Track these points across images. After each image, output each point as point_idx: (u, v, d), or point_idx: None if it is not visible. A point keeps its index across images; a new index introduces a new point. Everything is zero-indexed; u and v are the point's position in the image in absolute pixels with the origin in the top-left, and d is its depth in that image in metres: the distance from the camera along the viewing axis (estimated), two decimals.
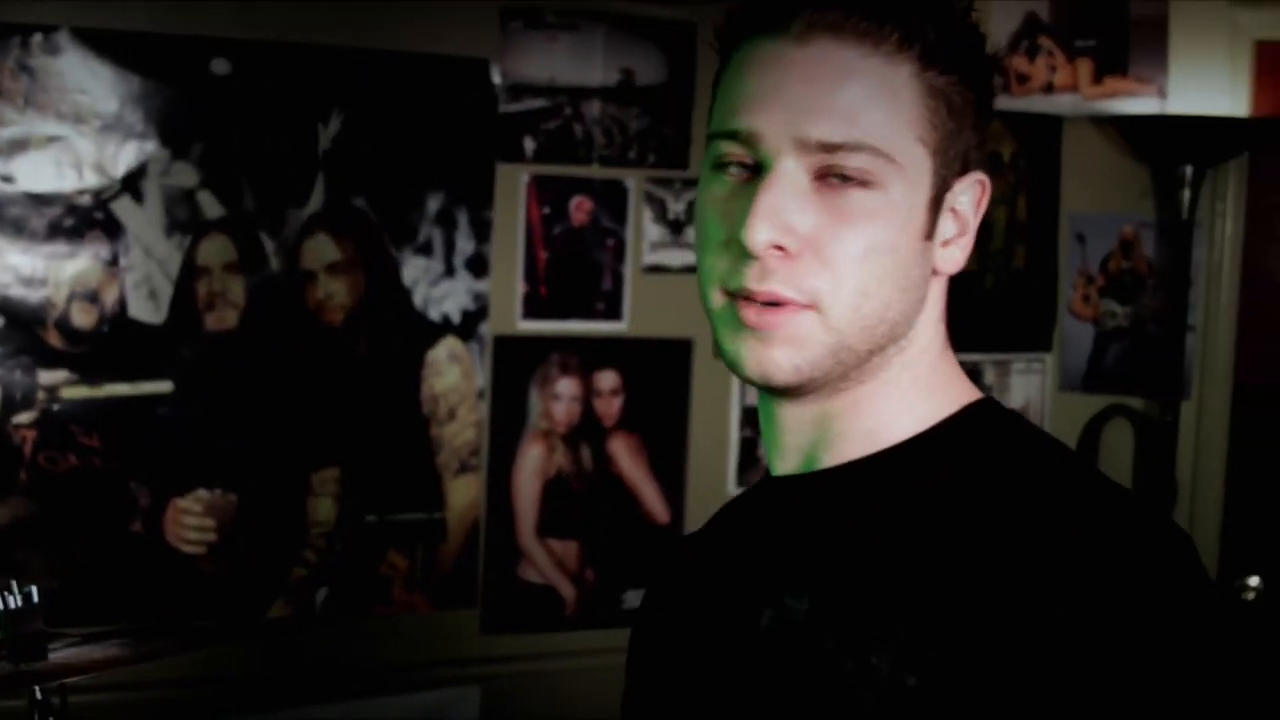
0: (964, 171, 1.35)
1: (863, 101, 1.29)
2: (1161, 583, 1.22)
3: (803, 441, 1.38)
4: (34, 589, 1.68)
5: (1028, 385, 3.81)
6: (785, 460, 1.40)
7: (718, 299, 1.33)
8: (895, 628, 1.24)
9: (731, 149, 1.32)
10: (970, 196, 1.36)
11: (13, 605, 1.67)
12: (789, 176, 1.29)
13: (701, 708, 1.41)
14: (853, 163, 1.28)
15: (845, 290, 1.29)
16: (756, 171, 1.31)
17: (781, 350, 1.30)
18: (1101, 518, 1.25)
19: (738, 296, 1.31)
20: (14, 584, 1.68)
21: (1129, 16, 3.67)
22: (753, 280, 1.29)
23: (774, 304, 1.29)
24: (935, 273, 1.36)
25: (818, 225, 1.29)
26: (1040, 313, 3.83)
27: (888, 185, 1.29)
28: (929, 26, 1.31)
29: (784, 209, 1.28)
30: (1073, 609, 1.18)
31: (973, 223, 1.37)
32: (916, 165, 1.30)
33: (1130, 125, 3.71)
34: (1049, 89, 3.66)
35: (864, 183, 1.29)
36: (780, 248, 1.28)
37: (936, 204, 1.33)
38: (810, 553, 1.35)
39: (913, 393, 1.37)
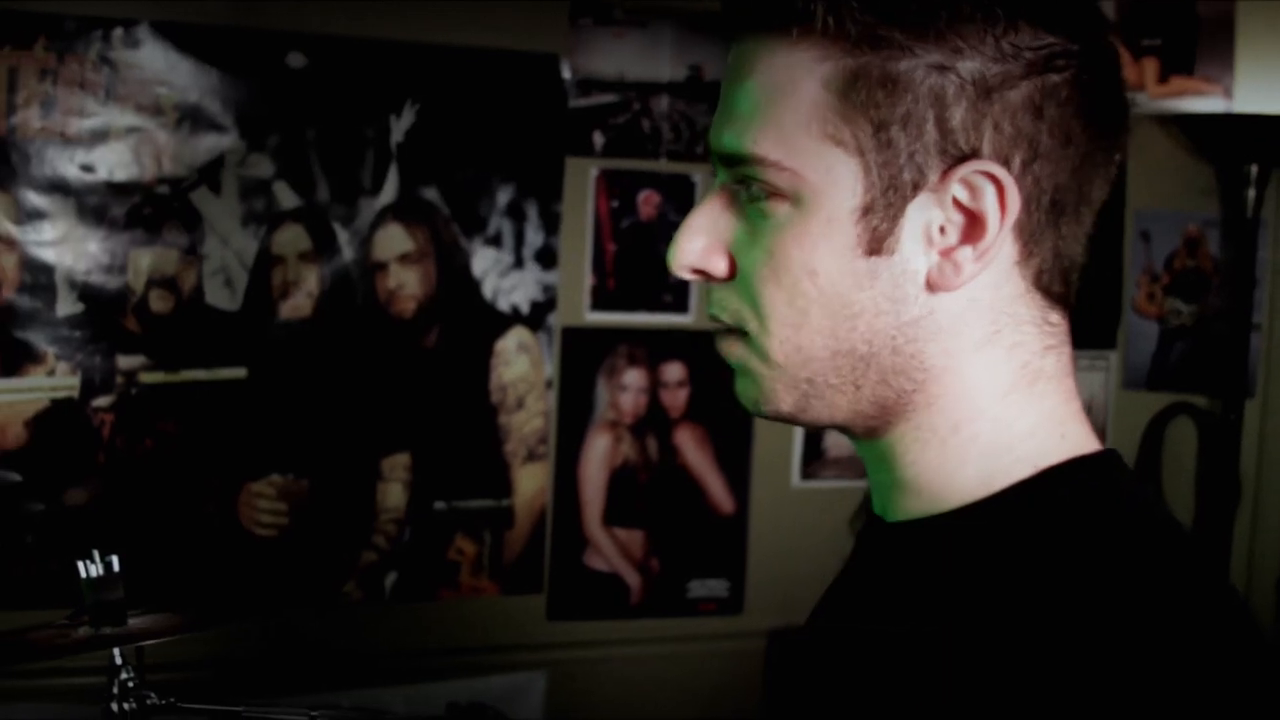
0: (957, 161, 1.11)
1: (758, 102, 1.14)
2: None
3: (876, 480, 1.25)
4: (115, 558, 1.73)
5: (1091, 383, 3.83)
6: (874, 496, 1.27)
7: None
8: None
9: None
10: (980, 192, 1.12)
11: (95, 573, 1.73)
12: (718, 193, 1.20)
13: None
14: (751, 174, 1.15)
15: (768, 321, 1.16)
16: None
17: (741, 381, 1.22)
18: (1156, 644, 1.04)
19: None
20: (96, 553, 1.73)
21: (1196, 15, 3.68)
22: (707, 303, 1.22)
23: (716, 324, 1.21)
24: (932, 288, 1.14)
25: (735, 246, 1.18)
26: (1104, 310, 3.84)
27: (796, 198, 1.13)
28: None
29: (703, 230, 1.19)
30: None
31: (993, 225, 1.11)
32: (831, 171, 1.11)
33: (1196, 124, 3.71)
34: None
35: (771, 196, 1.14)
36: (702, 271, 1.20)
37: (887, 210, 1.12)
38: (861, 613, 1.25)
39: (955, 445, 1.18)
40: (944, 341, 1.15)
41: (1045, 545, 1.11)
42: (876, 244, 1.12)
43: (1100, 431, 3.86)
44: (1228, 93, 3.69)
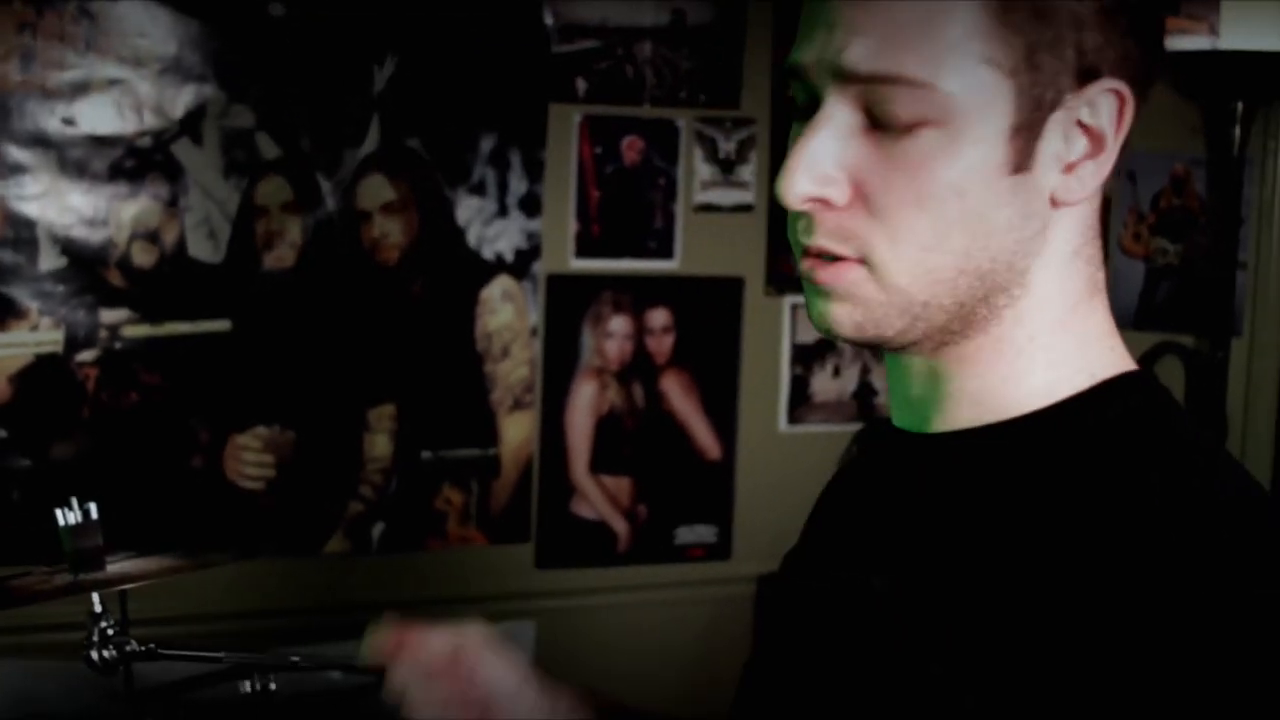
0: (1087, 80, 1.13)
1: (907, 24, 1.11)
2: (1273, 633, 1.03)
3: (914, 395, 1.24)
4: (93, 505, 1.73)
5: None
6: (901, 412, 1.27)
7: (797, 251, 1.20)
8: (960, 637, 1.11)
9: (796, 88, 1.18)
10: (1102, 109, 1.14)
11: (73, 521, 1.73)
12: (834, 116, 1.14)
13: (798, 671, 1.31)
14: (895, 95, 1.11)
15: (901, 245, 1.13)
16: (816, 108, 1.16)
17: (841, 307, 1.17)
18: (1216, 543, 1.06)
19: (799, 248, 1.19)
20: (74, 500, 1.73)
21: None
22: (803, 234, 1.17)
23: (830, 257, 1.16)
24: (1055, 204, 1.16)
25: (866, 171, 1.14)
26: None
27: (944, 120, 1.11)
28: None
29: (823, 157, 1.14)
30: (1158, 653, 1.02)
31: (1111, 140, 1.14)
32: (984, 92, 1.11)
33: (1181, 62, 3.69)
34: None
35: (913, 122, 1.11)
36: (822, 200, 1.15)
37: (1032, 128, 1.13)
38: (901, 527, 1.24)
39: (1030, 354, 1.19)
40: (1048, 256, 1.17)
41: (1112, 455, 1.14)
42: (1020, 163, 1.13)
43: None
44: (1213, 30, 3.67)
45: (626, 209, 3.42)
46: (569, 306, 3.41)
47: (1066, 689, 1.03)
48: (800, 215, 1.17)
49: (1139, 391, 1.20)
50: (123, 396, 3.08)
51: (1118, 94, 1.14)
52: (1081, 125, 1.14)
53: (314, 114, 3.16)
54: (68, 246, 3.01)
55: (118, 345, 3.06)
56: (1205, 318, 3.80)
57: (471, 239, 3.30)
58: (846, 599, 1.26)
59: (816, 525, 1.44)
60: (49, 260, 3.00)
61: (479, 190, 3.29)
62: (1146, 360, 3.82)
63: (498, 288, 3.33)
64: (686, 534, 3.55)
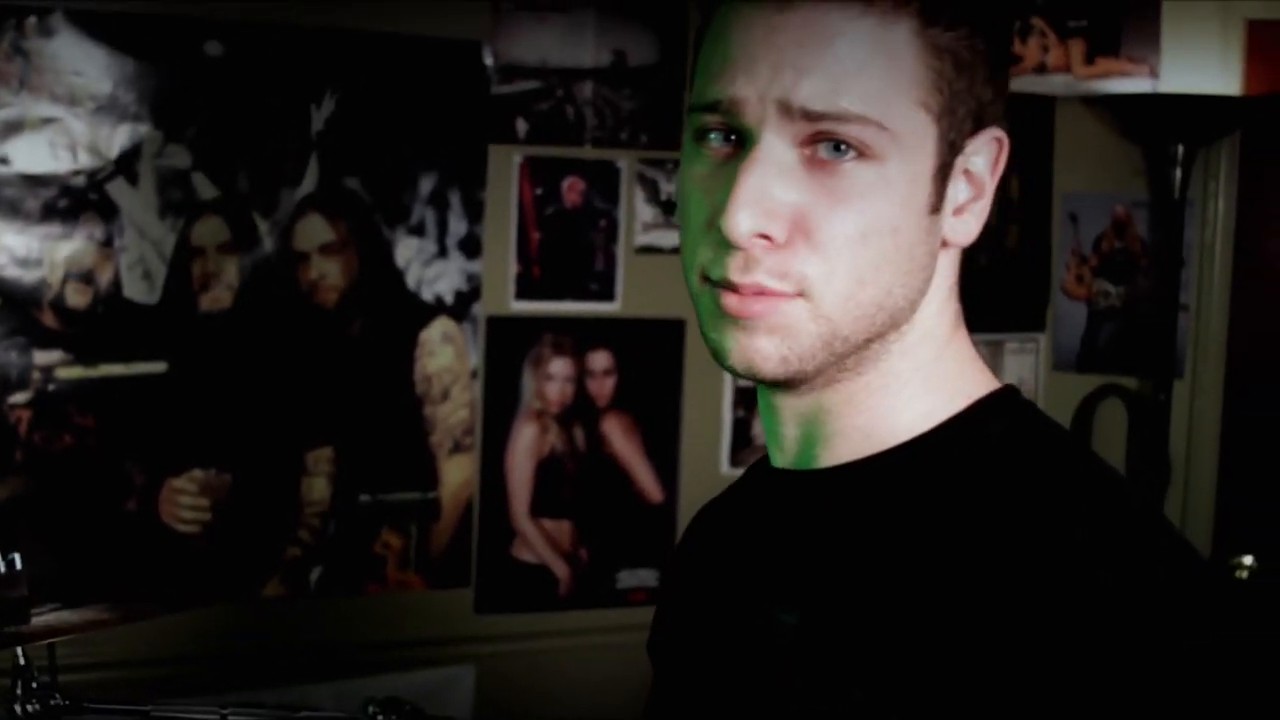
0: (977, 129, 1.20)
1: (853, 66, 1.14)
2: (1175, 626, 1.08)
3: (798, 434, 1.26)
4: (17, 555, 1.69)
5: (1021, 365, 3.82)
6: (783, 452, 1.29)
7: (699, 285, 1.21)
8: (878, 659, 1.13)
9: (712, 120, 1.19)
10: (986, 156, 1.22)
11: None
12: (773, 152, 1.16)
13: (702, 710, 1.33)
14: (841, 132, 1.14)
15: (838, 278, 1.16)
16: (740, 143, 1.18)
17: (767, 340, 1.18)
18: (1110, 540, 1.11)
19: (719, 285, 1.18)
20: None
21: None
22: (735, 271, 1.16)
23: (759, 293, 1.17)
24: (945, 245, 1.22)
25: (807, 204, 1.15)
26: (1033, 292, 3.84)
27: (884, 157, 1.15)
28: None
29: (767, 191, 1.15)
30: (1072, 649, 1.05)
31: (989, 185, 1.22)
32: (917, 133, 1.16)
33: (1122, 105, 3.71)
34: (1041, 69, 3.67)
35: (859, 154, 1.15)
36: (765, 236, 1.15)
37: (944, 172, 1.19)
38: (801, 561, 1.24)
39: (914, 385, 1.23)
40: (930, 294, 1.23)
41: (1000, 468, 1.19)
42: (936, 204, 1.20)
43: None
44: (1154, 73, 3.69)
45: (567, 250, 3.40)
46: (509, 348, 3.38)
47: (975, 704, 1.07)
48: (725, 253, 1.17)
49: (1012, 407, 1.25)
50: (56, 439, 3.04)
51: (999, 141, 1.22)
52: (966, 171, 1.21)
53: (251, 154, 3.13)
54: (0, 286, 2.97)
55: (51, 387, 3.02)
56: (1147, 360, 3.80)
57: (411, 280, 3.27)
58: (755, 637, 1.26)
59: (696, 568, 1.45)
60: None
61: (418, 231, 3.26)
62: (1089, 402, 3.82)
63: (437, 329, 3.30)
64: (628, 578, 3.52)
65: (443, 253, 3.29)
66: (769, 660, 1.23)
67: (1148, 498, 1.23)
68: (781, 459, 1.29)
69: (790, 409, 1.26)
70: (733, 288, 1.17)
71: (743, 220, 1.14)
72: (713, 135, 1.20)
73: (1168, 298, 3.75)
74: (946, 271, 1.24)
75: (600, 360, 3.45)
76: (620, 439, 3.49)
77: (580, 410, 3.46)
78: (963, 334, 1.27)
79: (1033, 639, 1.06)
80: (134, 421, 3.10)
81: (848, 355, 1.20)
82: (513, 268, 3.37)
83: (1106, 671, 1.04)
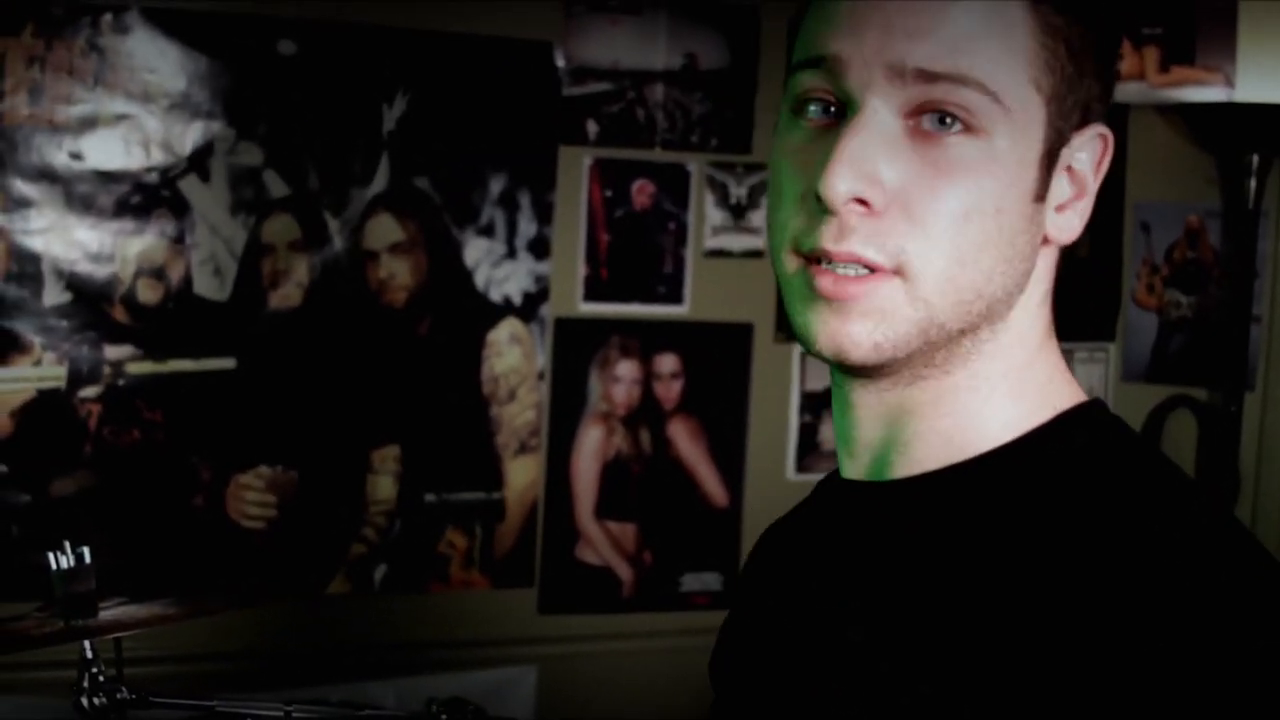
0: (1083, 124, 1.16)
1: (970, 29, 1.11)
2: (1261, 648, 1.02)
3: (876, 437, 1.21)
4: (86, 549, 1.70)
5: (1090, 375, 3.80)
6: (855, 460, 1.24)
7: (790, 262, 1.16)
8: (948, 681, 1.08)
9: (814, 82, 1.15)
10: (1090, 154, 1.17)
11: (65, 565, 1.70)
12: (878, 118, 1.11)
13: None
14: (954, 98, 1.10)
15: (938, 255, 1.11)
16: (840, 115, 1.14)
17: (860, 324, 1.13)
18: (1195, 561, 1.06)
19: (812, 259, 1.13)
20: (67, 544, 1.70)
21: (1196, 4, 3.65)
22: (829, 239, 1.11)
23: (854, 273, 1.12)
24: (1046, 241, 1.18)
25: (909, 177, 1.11)
26: (1104, 302, 3.81)
27: (994, 132, 1.11)
28: None
29: (869, 156, 1.10)
30: (1153, 675, 1.00)
31: (1092, 185, 1.18)
32: (1028, 112, 1.12)
33: (1196, 113, 3.68)
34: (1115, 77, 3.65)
35: (966, 128, 1.10)
36: (863, 201, 1.11)
37: (1050, 160, 1.14)
38: (872, 578, 1.19)
39: (1002, 390, 1.18)
40: (1029, 292, 1.19)
41: (1084, 483, 1.14)
42: (1042, 191, 1.16)
43: None
44: (1229, 81, 3.65)
45: (636, 253, 3.39)
46: (577, 350, 3.38)
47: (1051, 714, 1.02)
48: (820, 222, 1.12)
49: (1098, 421, 1.20)
50: (125, 433, 3.05)
51: (1104, 139, 1.18)
52: (1070, 167, 1.18)
53: (322, 152, 3.14)
54: (72, 281, 2.99)
55: (121, 382, 3.04)
56: (1218, 371, 3.77)
57: (479, 281, 3.27)
58: (822, 657, 1.21)
59: (762, 588, 1.40)
60: (53, 295, 2.98)
61: (488, 232, 3.27)
62: (1159, 413, 3.79)
63: (505, 330, 3.31)
64: (692, 581, 3.52)
65: (512, 254, 3.29)
66: (835, 682, 1.18)
67: (1235, 517, 1.15)
68: (852, 468, 1.25)
69: (870, 408, 1.21)
70: (827, 257, 1.12)
71: (841, 181, 1.10)
72: (812, 106, 1.16)
73: (1240, 309, 3.72)
74: (1045, 272, 1.20)
75: (667, 363, 3.45)
76: (686, 442, 3.49)
77: (646, 413, 3.45)
78: (1054, 342, 1.23)
79: (1115, 666, 1.01)
80: (202, 417, 3.11)
81: (940, 347, 1.15)
82: (581, 269, 3.37)
83: (1187, 695, 0.99)
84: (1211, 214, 3.81)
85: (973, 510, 1.16)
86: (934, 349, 1.15)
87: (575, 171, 3.35)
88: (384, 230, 3.20)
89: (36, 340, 2.98)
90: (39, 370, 3.00)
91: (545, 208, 3.31)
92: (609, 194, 3.37)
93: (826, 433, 3.57)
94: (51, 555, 1.70)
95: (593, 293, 3.38)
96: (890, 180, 1.11)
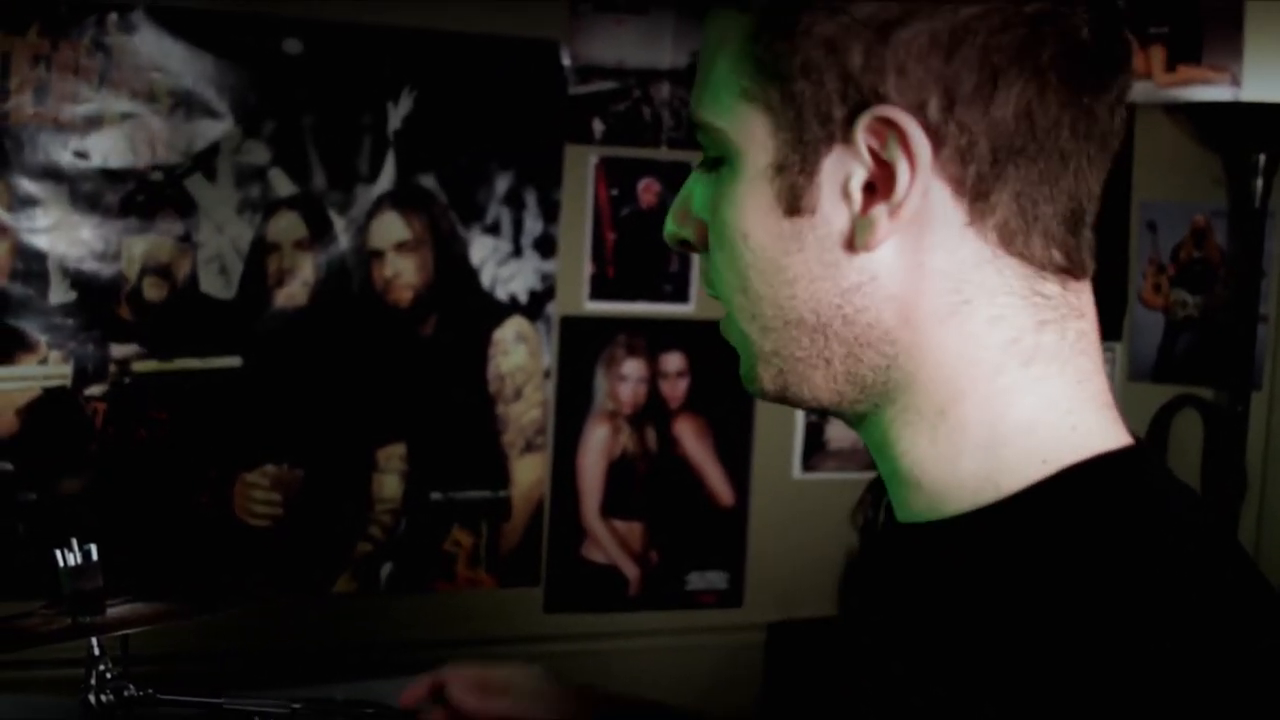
0: (854, 115, 1.03)
1: (702, 69, 1.11)
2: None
3: (880, 470, 1.16)
4: (93, 546, 1.71)
5: None
6: (887, 487, 1.18)
7: None
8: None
9: None
10: (888, 142, 1.03)
11: (73, 562, 1.70)
12: (701, 163, 1.14)
13: None
14: (704, 141, 1.11)
15: (724, 286, 1.11)
16: None
17: (740, 359, 1.15)
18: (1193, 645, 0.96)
19: None
20: (74, 541, 1.70)
21: (1202, 3, 3.64)
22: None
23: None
24: (852, 250, 1.05)
25: (702, 212, 1.13)
26: (1110, 301, 3.81)
27: (731, 161, 1.09)
28: None
29: (687, 200, 1.15)
30: None
31: (903, 176, 1.02)
32: (745, 127, 1.07)
33: (1203, 113, 3.67)
34: None
35: (716, 159, 1.10)
36: (684, 242, 1.16)
37: (801, 167, 1.05)
38: (901, 612, 1.14)
39: (946, 433, 1.08)
40: (901, 311, 1.06)
41: (1059, 567, 1.01)
42: (794, 203, 1.06)
43: None
44: (1235, 80, 3.65)
45: (642, 252, 3.39)
46: (583, 349, 3.38)
47: None
48: None
49: (1096, 483, 1.06)
50: (131, 432, 3.06)
51: (889, 123, 1.02)
52: (877, 159, 1.04)
53: (328, 151, 3.14)
54: (78, 280, 2.99)
55: (127, 380, 3.04)
56: (1225, 371, 3.76)
57: (485, 279, 3.27)
58: (870, 681, 1.16)
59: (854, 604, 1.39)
60: (59, 294, 2.98)
61: (493, 230, 3.27)
62: (1165, 413, 3.78)
63: (511, 329, 3.31)
64: (698, 580, 3.52)
65: (517, 252, 3.29)
66: (879, 705, 1.13)
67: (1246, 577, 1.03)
68: (890, 495, 1.19)
69: (863, 439, 1.17)
70: None
71: (666, 224, 1.16)
72: None
73: (1246, 308, 3.71)
74: (934, 289, 1.06)
75: (673, 362, 3.45)
76: (692, 441, 3.49)
77: (652, 412, 3.45)
78: (1042, 373, 1.08)
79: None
80: (208, 416, 3.11)
81: (823, 379, 1.10)
82: (587, 268, 3.37)
83: None
84: (1218, 213, 3.81)
85: (939, 576, 1.09)
86: (828, 379, 1.10)
87: (581, 170, 3.35)
88: (390, 229, 3.19)
89: (42, 339, 2.98)
90: (45, 369, 3.00)
91: (551, 206, 3.31)
92: (615, 192, 3.37)
93: (832, 432, 3.57)
94: (58, 552, 1.70)
95: (599, 291, 3.38)
96: (700, 219, 1.13)
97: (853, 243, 1.05)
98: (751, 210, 1.07)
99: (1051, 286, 1.08)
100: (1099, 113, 1.07)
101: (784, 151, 1.05)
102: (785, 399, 1.13)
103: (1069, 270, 1.08)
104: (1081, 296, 1.11)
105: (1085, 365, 1.10)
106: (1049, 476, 1.06)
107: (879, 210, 1.03)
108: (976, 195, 1.04)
